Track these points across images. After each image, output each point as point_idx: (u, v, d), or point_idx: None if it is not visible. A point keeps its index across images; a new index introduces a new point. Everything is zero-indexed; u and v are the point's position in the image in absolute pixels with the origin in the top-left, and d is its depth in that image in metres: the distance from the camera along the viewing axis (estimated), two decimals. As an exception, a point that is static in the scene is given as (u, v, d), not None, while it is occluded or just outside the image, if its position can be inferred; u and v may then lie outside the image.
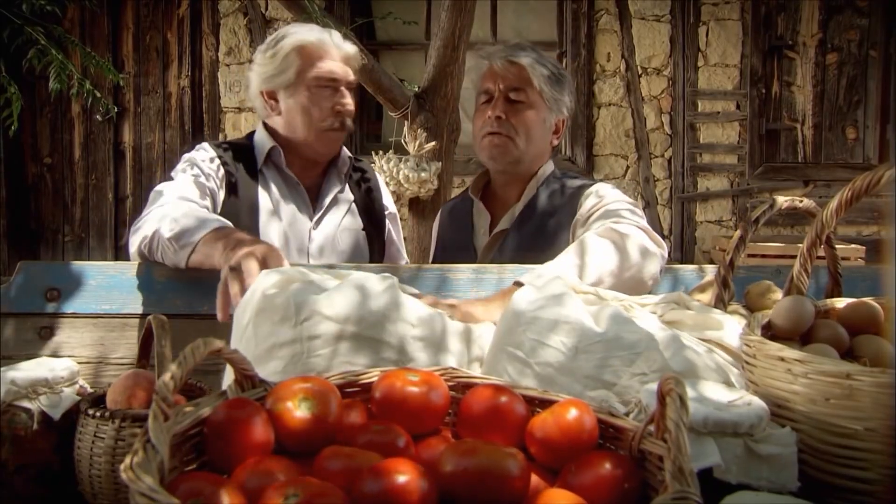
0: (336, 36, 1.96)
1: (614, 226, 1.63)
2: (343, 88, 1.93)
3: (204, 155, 1.89)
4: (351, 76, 1.96)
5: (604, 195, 1.82)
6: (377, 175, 2.21)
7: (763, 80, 5.99)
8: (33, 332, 1.50)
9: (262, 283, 1.23)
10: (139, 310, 1.53)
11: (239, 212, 1.85)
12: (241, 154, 1.94)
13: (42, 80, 5.59)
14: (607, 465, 0.80)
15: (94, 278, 1.54)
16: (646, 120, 6.01)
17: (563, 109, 1.95)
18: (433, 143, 3.36)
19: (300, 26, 1.98)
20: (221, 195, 1.86)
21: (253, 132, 2.03)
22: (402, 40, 6.08)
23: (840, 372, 0.90)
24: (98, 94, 2.92)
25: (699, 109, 6.01)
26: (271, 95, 1.95)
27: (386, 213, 2.16)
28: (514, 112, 1.88)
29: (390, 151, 3.45)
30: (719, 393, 0.96)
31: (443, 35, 3.29)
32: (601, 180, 2.03)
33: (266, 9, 6.01)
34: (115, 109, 5.06)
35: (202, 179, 1.82)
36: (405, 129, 3.45)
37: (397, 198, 3.40)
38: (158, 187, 1.76)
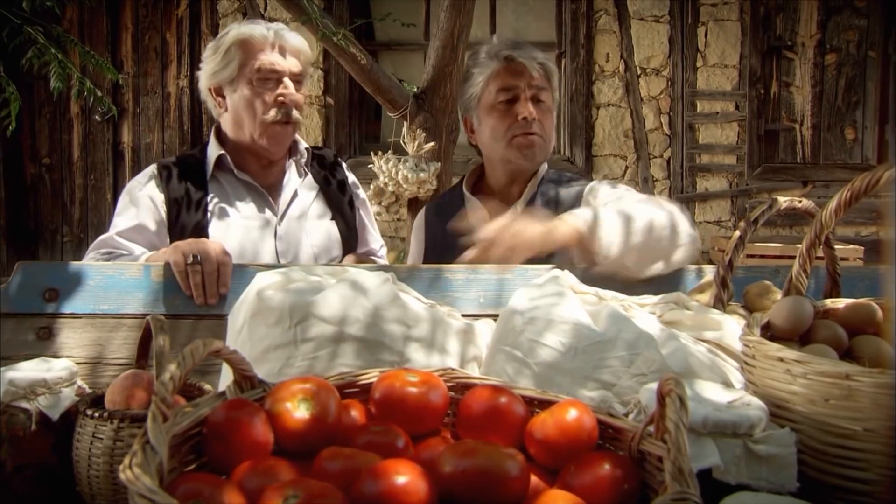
0: (283, 30, 1.96)
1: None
2: (286, 79, 1.92)
3: (141, 185, 1.93)
4: (297, 68, 1.95)
5: (615, 187, 1.85)
6: (340, 160, 2.21)
7: (762, 81, 6.00)
8: (32, 333, 1.50)
9: (257, 283, 1.23)
10: (138, 310, 1.52)
11: (187, 226, 1.88)
12: (188, 169, 1.97)
13: (41, 81, 5.59)
14: (607, 466, 0.80)
15: (93, 279, 1.54)
16: (645, 120, 6.01)
17: (557, 106, 1.98)
18: (432, 143, 3.36)
19: (245, 23, 1.99)
20: (164, 218, 1.90)
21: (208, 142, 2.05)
22: (401, 41, 6.08)
23: (839, 372, 0.90)
24: (99, 93, 2.91)
25: (698, 110, 6.01)
26: (218, 92, 1.96)
27: (356, 200, 2.16)
28: (541, 112, 1.89)
29: (389, 152, 3.45)
30: (718, 393, 0.96)
31: (442, 35, 3.29)
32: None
33: (265, 9, 6.01)
34: (115, 109, 5.03)
35: (140, 215, 1.89)
36: (404, 129, 3.44)
37: (395, 198, 3.40)
38: (99, 239, 1.88)
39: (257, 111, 1.90)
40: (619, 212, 1.56)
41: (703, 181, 6.06)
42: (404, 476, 0.72)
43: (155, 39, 6.18)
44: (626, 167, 6.06)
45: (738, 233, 1.32)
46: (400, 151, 3.46)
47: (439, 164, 3.40)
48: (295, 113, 1.94)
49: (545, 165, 1.98)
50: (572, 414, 0.85)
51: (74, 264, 1.57)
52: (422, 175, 3.32)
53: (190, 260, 1.54)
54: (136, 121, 6.21)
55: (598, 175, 5.96)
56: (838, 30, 5.97)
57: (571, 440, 0.84)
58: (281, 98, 1.91)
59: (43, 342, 1.49)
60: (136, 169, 6.20)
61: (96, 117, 6.13)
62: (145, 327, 1.15)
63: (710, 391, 0.97)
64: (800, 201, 1.31)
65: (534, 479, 0.82)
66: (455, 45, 3.27)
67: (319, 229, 2.01)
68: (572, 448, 0.84)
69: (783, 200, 1.30)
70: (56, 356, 1.37)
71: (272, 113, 1.90)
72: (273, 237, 1.94)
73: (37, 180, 6.28)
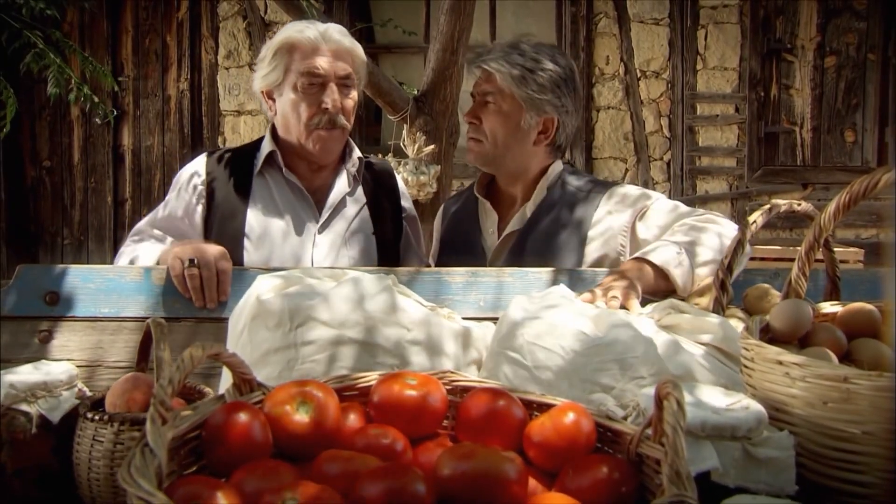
0: (331, 30, 1.89)
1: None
2: (332, 84, 1.85)
3: (188, 174, 1.93)
4: (344, 71, 1.87)
5: (653, 196, 1.84)
6: (396, 176, 2.14)
7: (762, 83, 6.00)
8: (32, 336, 1.50)
9: (258, 287, 1.23)
10: (138, 313, 1.52)
11: (225, 218, 1.86)
12: (240, 161, 1.93)
13: (41, 84, 5.59)
14: (605, 469, 0.80)
15: (93, 282, 1.54)
16: (644, 123, 6.01)
17: (546, 108, 1.86)
18: (432, 146, 3.36)
19: (295, 24, 1.93)
20: (201, 208, 1.89)
21: (255, 142, 2.00)
22: (402, 44, 6.09)
23: (838, 375, 0.90)
24: (97, 99, 2.91)
25: (698, 112, 6.01)
26: (269, 95, 1.92)
27: (403, 216, 2.08)
28: (484, 115, 1.88)
29: (389, 154, 3.45)
30: (717, 397, 0.96)
31: (442, 38, 3.29)
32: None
33: (265, 12, 6.01)
34: (114, 113, 5.05)
35: (178, 205, 1.90)
36: (404, 132, 3.45)
37: (395, 201, 3.40)
38: (137, 226, 1.93)
39: (301, 116, 1.84)
40: (690, 247, 1.57)
41: (702, 184, 6.06)
42: (403, 479, 0.72)
43: (155, 42, 6.19)
44: (626, 170, 6.06)
45: (737, 235, 1.32)
46: (400, 154, 3.47)
47: (439, 166, 3.41)
48: (341, 119, 1.86)
49: (557, 165, 1.93)
50: (570, 417, 0.86)
51: (75, 267, 1.57)
52: (422, 178, 3.32)
53: (187, 264, 1.53)
54: (137, 123, 6.21)
55: (598, 178, 5.96)
56: (838, 32, 5.97)
57: (570, 443, 0.84)
58: (324, 105, 1.84)
59: (43, 345, 1.49)
60: (137, 171, 6.21)
61: (96, 120, 6.14)
62: (145, 330, 1.15)
63: (709, 394, 0.97)
64: (799, 204, 1.31)
65: (532, 481, 0.82)
66: (455, 48, 3.28)
67: (359, 242, 1.95)
68: (570, 451, 0.84)
69: (782, 203, 1.30)
70: (56, 359, 1.37)
71: (315, 119, 1.84)
72: (311, 244, 1.89)
73: (37, 183, 6.28)
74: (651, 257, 1.52)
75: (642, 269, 1.50)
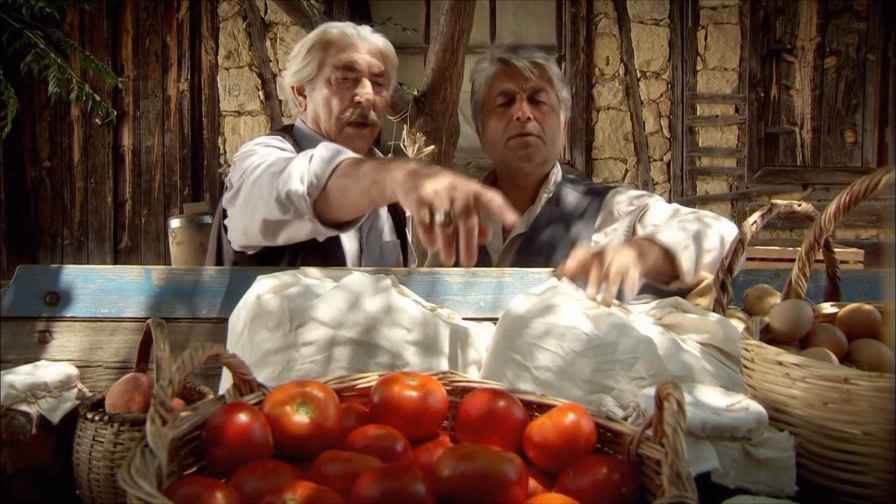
0: (364, 30, 1.89)
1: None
2: (365, 79, 1.83)
3: (276, 139, 1.77)
4: (378, 68, 1.85)
5: (653, 197, 1.84)
6: None
7: (762, 84, 6.00)
8: (32, 336, 1.50)
9: (257, 287, 1.23)
10: (138, 313, 1.52)
11: None
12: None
13: (41, 84, 5.59)
14: (605, 470, 0.80)
15: (93, 282, 1.54)
16: (645, 123, 6.02)
17: (568, 108, 1.95)
18: (432, 146, 3.36)
19: (330, 23, 1.92)
20: None
21: (288, 127, 1.95)
22: (401, 44, 6.06)
23: (838, 376, 0.90)
24: (98, 98, 2.91)
25: (698, 113, 6.02)
26: (300, 91, 1.89)
27: (406, 215, 2.06)
28: (539, 113, 1.87)
29: (389, 155, 3.45)
30: (717, 397, 0.96)
31: (442, 39, 3.29)
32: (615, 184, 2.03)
33: (265, 12, 6.01)
34: (115, 113, 5.04)
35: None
36: (404, 132, 3.45)
37: (396, 201, 3.40)
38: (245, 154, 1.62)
39: (333, 110, 1.81)
40: (695, 236, 1.54)
41: (702, 184, 6.06)
42: (403, 480, 0.72)
43: (155, 43, 6.19)
44: (626, 170, 6.06)
45: (737, 236, 1.32)
46: (400, 155, 3.47)
47: (439, 167, 3.41)
48: (372, 115, 1.83)
49: (558, 169, 1.96)
50: (571, 418, 0.86)
51: (74, 268, 1.57)
52: (422, 178, 3.31)
53: (440, 219, 1.11)
54: (137, 124, 6.21)
55: (598, 178, 5.96)
56: (838, 33, 5.97)
57: (570, 444, 0.84)
58: (357, 98, 1.81)
59: (43, 345, 1.49)
60: (137, 172, 6.21)
61: (97, 120, 6.14)
62: (146, 331, 1.15)
63: (709, 395, 0.97)
64: (799, 204, 1.31)
65: (532, 482, 0.82)
66: (455, 48, 3.28)
67: (393, 254, 1.95)
68: (571, 452, 0.84)
69: (782, 204, 1.30)
70: (56, 359, 1.37)
71: (347, 113, 1.81)
72: (359, 250, 1.86)
73: (37, 183, 6.28)
74: (659, 237, 1.49)
75: (649, 247, 1.46)
